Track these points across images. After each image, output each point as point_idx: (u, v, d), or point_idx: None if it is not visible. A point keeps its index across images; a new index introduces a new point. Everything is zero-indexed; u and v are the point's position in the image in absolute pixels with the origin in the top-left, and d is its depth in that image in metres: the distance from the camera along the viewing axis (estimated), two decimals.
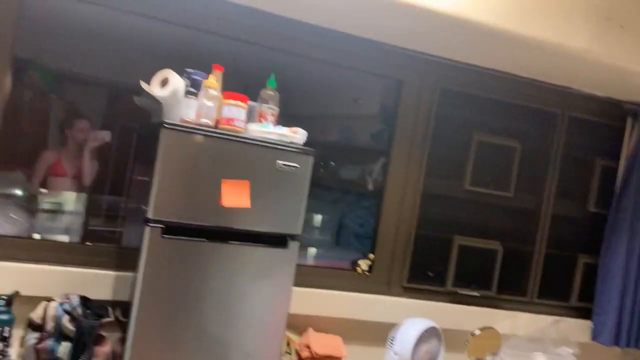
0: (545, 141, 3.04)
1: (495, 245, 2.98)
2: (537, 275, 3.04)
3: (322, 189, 2.92)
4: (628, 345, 2.94)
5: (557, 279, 3.10)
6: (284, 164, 1.91)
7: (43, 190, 2.50)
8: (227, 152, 1.83)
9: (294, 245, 1.98)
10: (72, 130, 2.54)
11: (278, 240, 1.95)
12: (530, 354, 2.78)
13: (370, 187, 2.93)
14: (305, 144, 2.00)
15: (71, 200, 2.55)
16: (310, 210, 2.85)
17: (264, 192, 1.90)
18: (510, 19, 2.33)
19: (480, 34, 2.36)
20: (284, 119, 2.12)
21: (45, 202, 2.49)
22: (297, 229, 1.98)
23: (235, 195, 1.83)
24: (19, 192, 2.50)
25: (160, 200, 1.75)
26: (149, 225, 1.74)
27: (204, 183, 1.81)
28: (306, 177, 1.97)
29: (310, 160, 1.97)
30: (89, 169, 2.50)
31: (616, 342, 2.92)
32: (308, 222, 2.94)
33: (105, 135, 2.52)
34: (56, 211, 2.50)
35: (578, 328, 3.00)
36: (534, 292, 3.03)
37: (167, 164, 1.75)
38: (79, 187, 2.54)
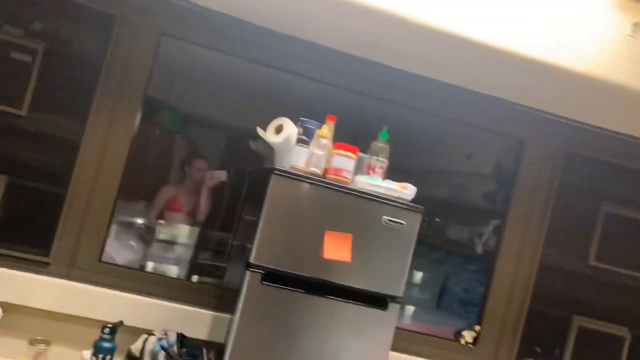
0: None
1: (622, 331, 2.63)
2: None
3: (426, 246, 2.78)
4: None
5: None
6: (389, 220, 1.83)
7: (160, 221, 2.65)
8: (333, 202, 1.80)
9: (394, 308, 1.87)
10: (191, 168, 2.68)
11: (377, 300, 1.85)
12: None
13: (479, 250, 2.75)
14: (413, 201, 1.91)
15: (185, 233, 2.68)
16: (412, 266, 2.73)
17: (367, 248, 1.83)
18: None
19: (614, 96, 2.16)
20: (393, 172, 2.06)
21: (162, 233, 2.65)
22: (399, 291, 1.87)
23: (337, 248, 1.78)
24: (140, 221, 2.66)
25: (264, 245, 1.74)
26: (250, 270, 1.73)
27: (307, 232, 1.78)
28: (412, 236, 1.87)
29: (418, 218, 1.87)
30: (205, 205, 2.61)
31: None
32: (408, 278, 2.81)
33: (222, 175, 2.64)
34: (170, 242, 2.63)
35: None
36: None
37: (273, 209, 1.75)
38: (193, 222, 2.66)
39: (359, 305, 1.82)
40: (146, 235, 2.63)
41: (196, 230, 2.70)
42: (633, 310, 2.69)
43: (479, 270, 2.75)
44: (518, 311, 2.56)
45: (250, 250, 1.74)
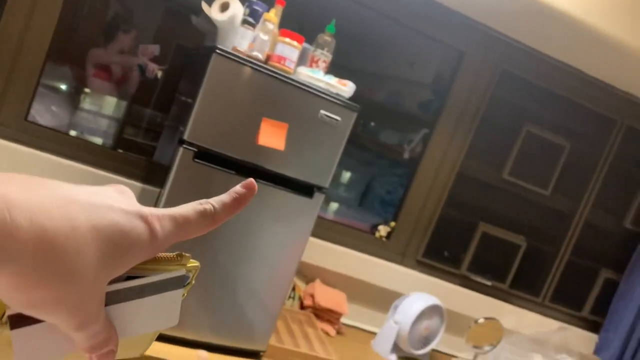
0: (596, 146, 2.91)
1: (519, 239, 2.92)
2: (555, 278, 2.98)
3: (357, 147, 2.88)
4: None
5: (573, 287, 3.04)
6: (326, 115, 1.88)
7: (86, 90, 2.54)
8: (272, 90, 1.81)
9: (318, 197, 1.96)
10: (123, 35, 2.54)
11: (305, 189, 1.94)
12: (529, 354, 2.76)
13: (407, 155, 2.88)
14: (351, 99, 1.96)
15: (112, 105, 2.58)
16: (341, 165, 2.84)
17: (301, 139, 1.88)
18: (591, 11, 2.20)
19: (555, 21, 2.24)
20: (334, 68, 2.07)
21: (87, 102, 2.53)
22: (326, 182, 1.96)
23: (272, 136, 1.82)
24: (63, 86, 2.54)
25: (199, 124, 1.75)
26: (183, 147, 1.74)
27: (244, 117, 1.79)
28: (345, 133, 1.94)
29: (353, 117, 1.93)
30: (134, 79, 2.51)
31: None
32: (336, 178, 2.92)
33: (155, 50, 2.52)
34: (95, 113, 2.54)
35: (583, 339, 2.96)
36: (548, 295, 2.99)
37: (211, 90, 1.74)
38: (122, 95, 2.57)
39: (287, 191, 1.90)
40: (70, 103, 2.52)
41: (124, 104, 2.60)
42: (533, 223, 2.97)
43: (404, 174, 2.89)
44: (431, 213, 2.77)
45: (184, 126, 1.75)
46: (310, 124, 1.87)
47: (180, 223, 0.36)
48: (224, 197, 0.39)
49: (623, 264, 2.96)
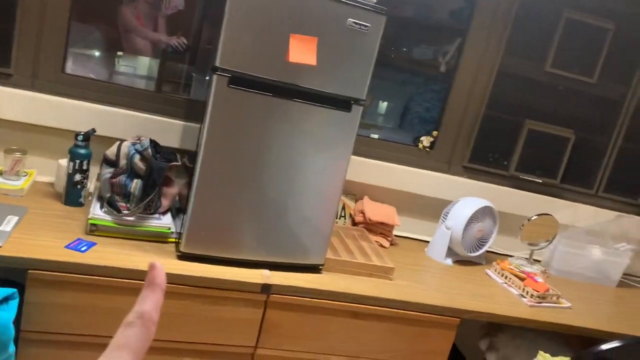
0: None
1: (568, 133, 2.84)
2: (608, 168, 2.91)
3: (390, 68, 2.82)
4: None
5: (627, 174, 2.96)
6: (354, 22, 1.83)
7: (119, 53, 2.54)
8: (298, 5, 1.77)
9: (357, 110, 1.95)
10: None
11: (342, 104, 1.93)
12: (587, 246, 2.76)
13: (443, 69, 2.80)
14: (384, 7, 1.89)
15: (145, 65, 2.58)
16: (378, 93, 2.80)
17: (332, 52, 1.85)
18: None
19: None
20: None
21: (122, 65, 2.54)
22: (362, 94, 1.94)
23: (302, 51, 1.80)
24: (96, 53, 2.55)
25: (229, 49, 1.74)
26: (217, 74, 1.75)
27: (272, 36, 1.77)
28: (376, 39, 1.89)
29: (382, 21, 1.87)
30: (164, 35, 2.50)
31: None
32: (373, 108, 2.89)
33: (179, 3, 2.49)
34: (131, 75, 2.55)
35: None
36: (601, 186, 2.93)
37: (236, 9, 1.72)
38: (154, 53, 2.56)
39: (325, 107, 1.90)
40: (104, 69, 2.53)
41: (157, 62, 2.59)
42: (581, 114, 2.88)
43: (442, 89, 2.82)
44: (474, 117, 2.72)
45: (215, 53, 1.75)
46: (339, 35, 1.84)
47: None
48: (140, 298, 0.40)
49: None
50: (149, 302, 0.40)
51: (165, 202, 2.00)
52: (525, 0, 2.59)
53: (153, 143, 2.00)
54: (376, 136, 2.78)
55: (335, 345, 1.98)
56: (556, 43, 2.68)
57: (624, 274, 2.82)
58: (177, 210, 2.09)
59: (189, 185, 1.89)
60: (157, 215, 1.98)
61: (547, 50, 2.70)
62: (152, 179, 1.92)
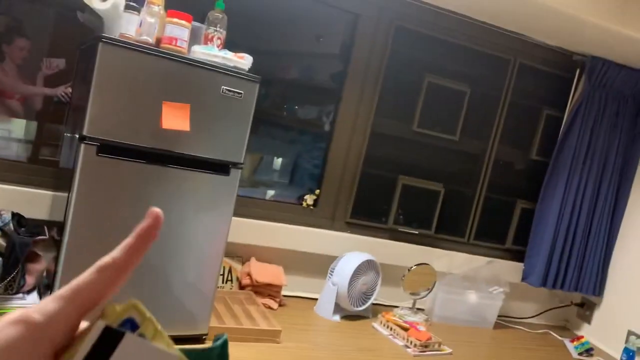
0: (495, 87, 3.08)
1: (437, 186, 3.06)
2: (476, 217, 3.15)
3: (278, 127, 2.91)
4: (554, 286, 3.11)
5: (494, 222, 3.23)
6: (227, 90, 1.88)
7: None
8: (169, 73, 1.78)
9: (235, 173, 1.97)
10: (11, 47, 2.41)
11: (219, 167, 1.94)
12: (464, 291, 2.92)
13: (327, 127, 2.92)
14: (264, 79, 1.95)
15: (20, 127, 2.44)
16: (270, 151, 2.86)
17: (207, 118, 1.87)
18: None
19: None
20: (242, 51, 2.06)
21: None
22: (240, 157, 1.96)
23: (175, 118, 1.80)
24: None
25: (96, 117, 1.70)
26: (84, 143, 1.69)
27: (143, 103, 1.76)
28: (251, 105, 1.94)
29: (255, 88, 1.93)
30: (47, 90, 2.39)
31: (544, 283, 3.09)
32: (268, 165, 2.94)
33: (60, 63, 2.41)
34: (6, 138, 2.39)
35: (510, 269, 3.15)
36: (472, 234, 3.16)
37: (104, 80, 1.69)
38: (28, 114, 2.42)
39: (202, 172, 1.90)
40: None
41: (34, 124, 2.46)
42: (447, 169, 3.12)
43: (327, 146, 2.94)
44: (352, 174, 2.84)
45: (82, 123, 1.69)
46: (213, 101, 1.87)
47: (70, 295, 0.35)
48: (127, 239, 0.37)
49: (535, 193, 3.17)
50: (130, 252, 0.37)
51: (30, 280, 1.85)
52: (392, 65, 2.81)
53: (16, 216, 1.87)
54: (272, 192, 2.82)
55: None
56: (421, 105, 2.92)
57: (499, 316, 3.01)
58: (46, 287, 1.94)
59: (56, 260, 1.77)
60: (20, 295, 1.82)
61: (413, 111, 2.92)
62: (14, 255, 1.78)
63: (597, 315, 3.19)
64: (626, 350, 2.76)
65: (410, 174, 2.98)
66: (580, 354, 2.81)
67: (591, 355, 2.84)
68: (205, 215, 1.95)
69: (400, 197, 2.97)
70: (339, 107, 2.78)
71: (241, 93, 1.91)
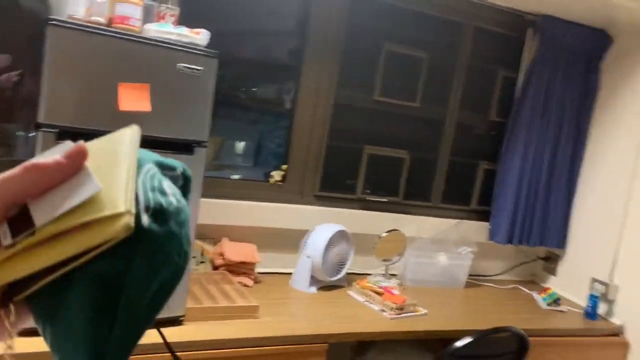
0: (452, 52, 3.11)
1: (402, 154, 3.09)
2: (441, 182, 3.21)
3: (239, 109, 2.87)
4: (520, 242, 3.21)
5: (459, 185, 3.29)
6: (185, 67, 1.84)
7: None
8: (123, 53, 1.74)
9: (200, 152, 1.94)
10: None
11: (183, 147, 1.91)
12: (434, 254, 2.99)
13: (288, 105, 2.90)
14: (221, 60, 1.91)
15: None
16: (232, 134, 2.83)
17: (167, 97, 1.83)
18: None
19: None
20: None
21: None
22: (204, 135, 1.94)
23: (134, 99, 1.76)
24: None
25: (52, 103, 1.65)
26: (42, 131, 1.64)
27: (99, 86, 1.71)
28: (211, 81, 1.91)
29: (214, 63, 1.90)
30: None
31: (509, 240, 3.18)
32: (230, 149, 2.91)
33: (4, 59, 2.30)
34: None
35: (477, 229, 3.23)
36: (438, 198, 3.22)
37: (56, 64, 1.64)
38: None
39: (165, 152, 1.86)
40: None
41: None
42: (410, 136, 3.15)
43: (289, 125, 2.92)
44: (319, 147, 2.84)
45: (38, 109, 1.64)
46: (172, 79, 1.83)
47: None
48: (56, 157, 0.38)
49: (497, 154, 3.24)
50: (56, 165, 0.38)
51: None
52: (351, 35, 2.80)
53: None
54: (237, 176, 2.79)
55: None
56: (381, 73, 2.93)
57: (469, 275, 3.09)
58: None
59: None
60: None
61: (373, 80, 2.93)
62: None
63: (562, 267, 3.31)
64: (591, 297, 2.88)
65: (375, 144, 3.00)
66: (549, 304, 2.92)
67: (559, 304, 2.96)
68: None
69: (367, 166, 2.99)
70: (300, 81, 2.77)
71: (200, 69, 1.88)
